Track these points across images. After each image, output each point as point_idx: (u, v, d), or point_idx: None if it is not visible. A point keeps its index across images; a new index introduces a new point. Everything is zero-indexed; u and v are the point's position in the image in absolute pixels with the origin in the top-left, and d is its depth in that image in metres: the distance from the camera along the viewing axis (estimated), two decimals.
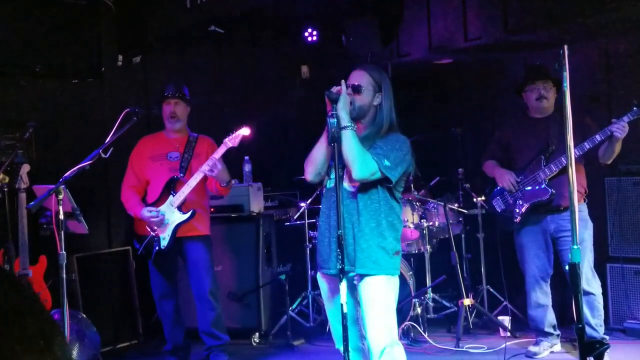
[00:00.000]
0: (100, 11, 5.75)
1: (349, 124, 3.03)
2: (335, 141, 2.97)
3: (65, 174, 3.61)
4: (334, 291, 3.16)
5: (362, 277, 3.12)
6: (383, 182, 3.11)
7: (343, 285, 2.91)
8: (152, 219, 4.38)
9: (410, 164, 3.19)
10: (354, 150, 3.01)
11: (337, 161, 2.98)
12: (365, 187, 3.12)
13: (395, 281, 3.18)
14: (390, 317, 3.14)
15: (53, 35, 5.48)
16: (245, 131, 4.42)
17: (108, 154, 3.78)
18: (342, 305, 2.89)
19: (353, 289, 3.20)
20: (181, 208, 4.43)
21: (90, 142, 4.31)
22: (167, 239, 4.42)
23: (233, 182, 4.58)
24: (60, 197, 3.56)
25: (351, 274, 3.14)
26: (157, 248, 4.45)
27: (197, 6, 5.24)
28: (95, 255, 5.37)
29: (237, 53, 6.81)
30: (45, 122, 5.40)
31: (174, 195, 4.43)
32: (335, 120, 2.99)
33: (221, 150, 4.35)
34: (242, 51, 6.88)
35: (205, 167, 4.29)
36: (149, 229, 4.47)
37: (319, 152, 3.20)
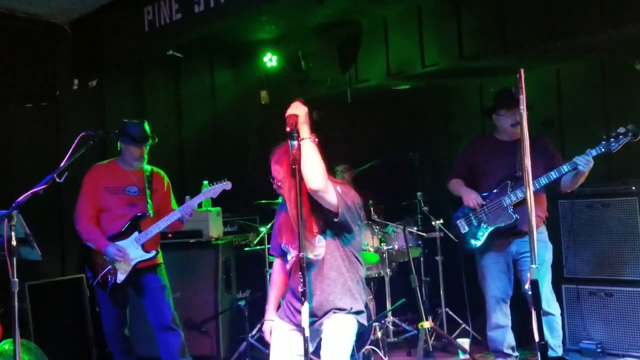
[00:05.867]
0: (55, 34, 5.67)
1: (308, 137, 3.02)
2: (296, 163, 2.96)
3: (18, 199, 3.51)
4: (291, 339, 3.21)
5: (328, 318, 3.15)
6: (330, 218, 3.10)
7: (305, 307, 2.90)
8: (118, 258, 4.34)
9: (360, 219, 3.21)
10: (314, 159, 2.99)
11: (298, 184, 2.97)
12: (328, 249, 3.14)
13: (356, 326, 3.20)
14: (347, 353, 3.16)
15: (6, 58, 5.38)
16: (227, 186, 4.55)
17: (63, 179, 3.70)
18: (304, 328, 2.88)
19: (314, 337, 3.20)
20: (144, 246, 4.44)
21: (45, 167, 4.21)
22: (125, 274, 4.41)
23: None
24: (13, 222, 3.46)
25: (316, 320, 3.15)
26: (112, 281, 4.41)
27: (155, 30, 5.20)
28: (48, 283, 5.22)
29: (196, 78, 6.79)
30: None
31: (139, 233, 4.44)
32: (296, 142, 2.99)
33: (199, 199, 4.52)
34: (200, 76, 6.86)
35: (185, 215, 4.43)
36: (107, 261, 4.40)
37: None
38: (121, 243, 4.40)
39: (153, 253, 4.46)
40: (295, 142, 2.99)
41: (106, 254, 4.36)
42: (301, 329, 2.97)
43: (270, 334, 3.33)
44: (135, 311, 4.69)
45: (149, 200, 4.55)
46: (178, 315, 4.64)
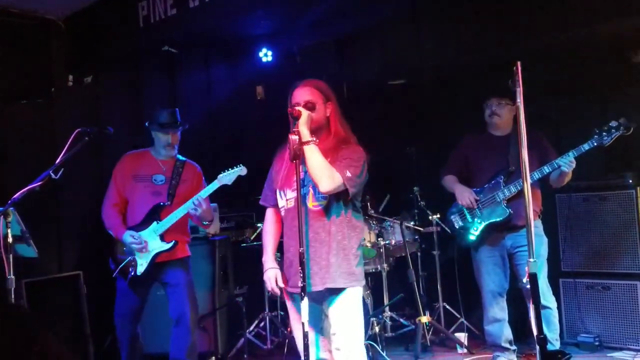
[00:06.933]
0: (49, 30, 5.65)
1: (311, 139, 3.07)
2: (296, 158, 2.99)
3: (14, 196, 3.50)
4: (293, 309, 3.24)
5: (333, 290, 3.16)
6: (342, 194, 3.15)
7: (305, 304, 2.91)
8: (134, 245, 4.26)
9: (367, 176, 3.24)
10: (320, 164, 3.05)
11: (297, 178, 3.00)
12: (328, 203, 3.15)
13: (361, 290, 3.25)
14: (360, 325, 3.21)
15: (1, 55, 5.36)
16: (242, 171, 4.26)
17: (59, 175, 3.68)
18: (303, 324, 2.89)
19: (321, 302, 3.22)
20: (163, 236, 4.33)
21: (40, 164, 4.19)
22: (145, 265, 4.31)
23: (213, 219, 4.48)
24: (9, 219, 3.45)
25: (320, 289, 3.15)
26: (132, 273, 4.32)
27: (149, 26, 5.19)
28: (45, 280, 5.20)
29: (191, 73, 6.77)
30: None
31: (158, 223, 4.33)
32: (297, 137, 3.01)
33: (212, 187, 4.28)
34: (196, 71, 6.83)
35: (190, 205, 4.22)
36: (127, 252, 4.35)
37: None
38: (142, 233, 4.31)
39: (171, 244, 4.32)
40: (295, 137, 3.02)
41: (123, 241, 4.30)
42: (296, 296, 3.06)
43: (276, 282, 3.28)
44: (151, 308, 4.64)
45: (172, 190, 4.42)
46: (198, 313, 4.55)
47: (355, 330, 3.17)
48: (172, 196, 4.40)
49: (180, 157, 4.57)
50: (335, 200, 3.16)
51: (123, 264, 4.33)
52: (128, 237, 4.28)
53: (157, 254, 4.32)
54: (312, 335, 3.20)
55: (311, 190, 3.17)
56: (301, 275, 2.93)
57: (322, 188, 3.06)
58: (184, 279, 4.43)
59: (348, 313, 3.17)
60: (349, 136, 3.29)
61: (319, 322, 3.23)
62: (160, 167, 4.47)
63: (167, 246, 4.32)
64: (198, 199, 4.18)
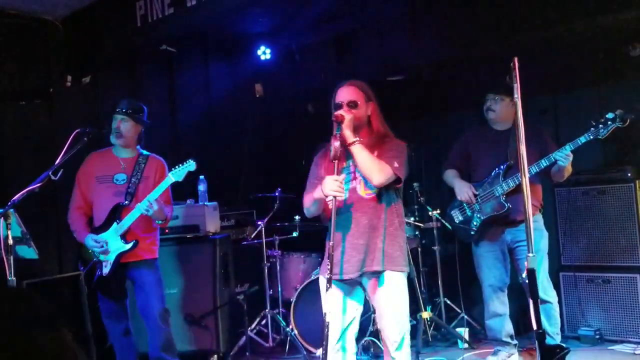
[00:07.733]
0: (47, 30, 5.63)
1: (355, 139, 3.21)
2: (336, 158, 3.13)
3: (14, 197, 3.50)
4: (345, 293, 3.33)
5: (381, 274, 3.28)
6: (392, 184, 3.30)
7: (330, 294, 3.08)
8: (95, 249, 4.26)
9: (408, 168, 3.42)
10: (369, 160, 3.21)
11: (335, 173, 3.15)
12: (379, 191, 3.30)
13: (405, 282, 3.38)
14: (407, 308, 3.35)
15: None
16: (190, 166, 4.26)
17: (58, 176, 3.69)
18: (325, 313, 3.05)
19: (364, 288, 3.36)
20: (125, 236, 4.30)
21: (40, 165, 4.19)
22: (109, 266, 4.30)
23: (169, 217, 4.41)
24: (9, 221, 3.46)
25: (365, 278, 3.30)
26: (99, 273, 4.33)
27: (147, 25, 5.17)
28: (45, 281, 5.20)
29: (190, 72, 6.77)
30: None
31: (118, 223, 4.29)
32: (339, 142, 3.14)
33: (163, 186, 4.25)
34: (194, 70, 6.83)
35: (142, 206, 4.18)
36: (93, 255, 4.35)
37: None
38: (104, 235, 4.29)
39: (132, 244, 4.28)
40: (337, 143, 3.14)
41: (85, 245, 4.30)
42: (337, 283, 3.21)
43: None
44: (135, 306, 4.64)
45: (131, 189, 4.35)
46: (168, 311, 4.53)
47: (405, 313, 3.31)
48: (131, 195, 4.35)
49: (144, 152, 4.52)
50: (385, 190, 3.31)
51: (89, 265, 4.36)
52: (89, 240, 4.29)
53: (120, 254, 4.31)
54: (338, 325, 3.30)
55: (362, 180, 3.30)
56: (329, 266, 3.07)
57: (375, 182, 3.21)
58: (149, 277, 4.39)
59: (398, 296, 3.29)
60: (389, 132, 3.45)
61: (354, 309, 3.35)
62: (120, 166, 4.43)
63: (127, 246, 4.29)
64: (149, 201, 4.16)
